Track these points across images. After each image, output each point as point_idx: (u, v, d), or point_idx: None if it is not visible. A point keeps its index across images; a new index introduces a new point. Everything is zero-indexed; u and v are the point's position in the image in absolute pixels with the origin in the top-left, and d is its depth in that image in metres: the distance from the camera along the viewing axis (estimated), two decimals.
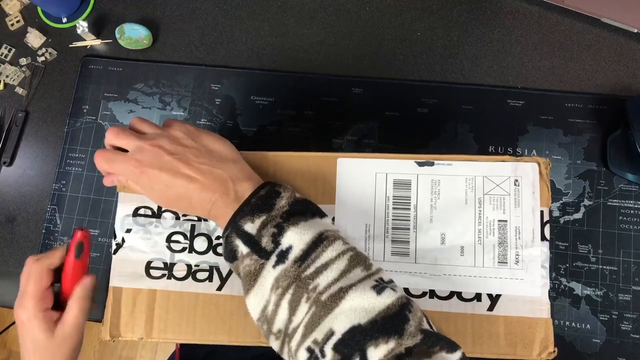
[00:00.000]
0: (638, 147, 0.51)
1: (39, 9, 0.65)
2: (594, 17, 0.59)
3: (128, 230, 0.41)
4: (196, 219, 0.42)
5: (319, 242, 0.35)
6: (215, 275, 0.41)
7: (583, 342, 0.51)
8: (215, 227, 0.42)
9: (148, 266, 0.41)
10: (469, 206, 0.39)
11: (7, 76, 0.63)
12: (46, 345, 0.39)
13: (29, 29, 0.65)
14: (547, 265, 0.39)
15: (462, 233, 0.39)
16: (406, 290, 0.39)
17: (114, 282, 0.41)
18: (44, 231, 0.58)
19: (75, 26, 0.63)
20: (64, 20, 0.65)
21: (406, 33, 0.61)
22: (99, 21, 0.64)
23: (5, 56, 0.64)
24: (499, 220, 0.39)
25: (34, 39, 0.64)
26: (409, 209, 0.40)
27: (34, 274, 0.39)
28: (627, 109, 0.53)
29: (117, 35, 0.62)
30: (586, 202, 0.54)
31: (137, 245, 0.41)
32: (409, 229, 0.40)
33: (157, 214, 0.42)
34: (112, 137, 0.39)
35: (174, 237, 0.42)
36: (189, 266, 0.41)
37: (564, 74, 0.58)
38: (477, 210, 0.39)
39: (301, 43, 0.62)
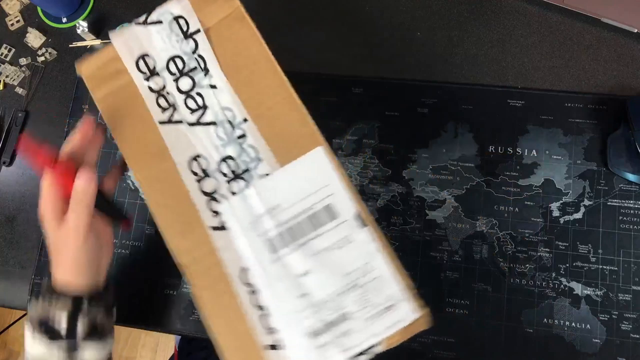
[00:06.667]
0: (638, 147, 0.51)
1: (39, 9, 0.65)
2: (594, 17, 0.59)
3: None
4: None
5: None
6: None
7: (583, 342, 0.51)
8: None
9: None
10: None
11: (7, 76, 0.63)
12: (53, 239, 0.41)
13: (29, 29, 0.65)
14: None
15: None
16: None
17: None
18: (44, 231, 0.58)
19: (75, 26, 0.63)
20: (64, 20, 0.65)
21: (406, 33, 0.61)
22: (99, 21, 0.64)
23: (5, 56, 0.64)
24: None
25: (34, 39, 0.64)
26: None
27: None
28: (627, 109, 0.53)
29: None
30: (586, 202, 0.54)
31: None
32: None
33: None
34: None
35: None
36: None
37: (564, 74, 0.58)
38: None
39: (301, 43, 0.62)
